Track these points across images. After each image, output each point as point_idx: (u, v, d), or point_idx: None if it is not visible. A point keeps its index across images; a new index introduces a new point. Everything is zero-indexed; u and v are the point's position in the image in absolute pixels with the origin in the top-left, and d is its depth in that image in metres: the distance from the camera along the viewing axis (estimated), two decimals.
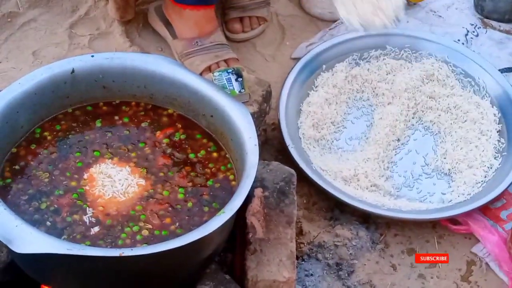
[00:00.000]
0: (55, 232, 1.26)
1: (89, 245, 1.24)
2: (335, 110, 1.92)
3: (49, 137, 1.42)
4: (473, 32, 2.18)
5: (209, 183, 1.39)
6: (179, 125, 1.48)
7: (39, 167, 1.37)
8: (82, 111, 1.48)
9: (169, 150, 1.44)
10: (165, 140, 1.45)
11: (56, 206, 1.31)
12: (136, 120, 1.48)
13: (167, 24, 2.05)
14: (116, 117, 1.48)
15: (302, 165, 1.75)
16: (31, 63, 2.01)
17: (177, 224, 1.31)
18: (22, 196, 1.32)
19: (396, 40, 2.02)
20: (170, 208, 1.33)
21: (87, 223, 1.29)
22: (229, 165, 1.43)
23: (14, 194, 1.32)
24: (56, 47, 2.07)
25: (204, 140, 1.47)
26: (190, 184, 1.38)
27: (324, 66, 1.98)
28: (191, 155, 1.43)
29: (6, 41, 2.08)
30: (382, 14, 1.68)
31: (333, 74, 1.97)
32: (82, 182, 1.35)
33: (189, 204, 1.35)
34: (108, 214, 1.30)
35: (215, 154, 1.44)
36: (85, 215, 1.30)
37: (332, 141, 1.87)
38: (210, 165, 1.42)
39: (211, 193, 1.37)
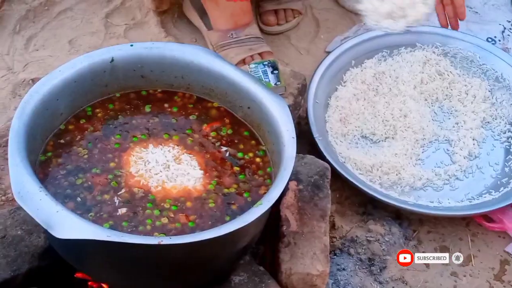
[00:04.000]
0: (83, 208, 1.28)
1: (112, 225, 1.25)
2: (363, 106, 1.90)
3: (99, 115, 1.44)
4: (510, 29, 2.15)
5: (245, 194, 1.36)
6: (227, 120, 1.48)
7: (80, 143, 1.39)
8: (137, 94, 1.49)
9: (217, 144, 1.43)
10: (212, 133, 1.45)
11: (90, 183, 1.32)
12: (184, 112, 1.48)
13: (202, 15, 2.06)
14: (166, 105, 1.48)
15: (329, 157, 1.74)
16: (67, 52, 2.03)
17: (196, 220, 1.29)
18: (61, 170, 1.34)
19: (427, 38, 2.00)
20: (198, 203, 1.32)
21: (116, 203, 1.29)
22: (268, 169, 1.40)
23: (53, 168, 1.34)
24: (92, 36, 2.08)
25: (253, 142, 1.45)
26: (235, 186, 1.36)
27: (353, 62, 1.96)
28: (239, 154, 1.42)
29: (43, 29, 2.10)
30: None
31: (362, 70, 1.96)
32: (120, 164, 1.35)
33: (211, 204, 1.32)
34: (139, 199, 1.30)
35: (258, 160, 1.42)
36: (115, 196, 1.30)
37: (359, 137, 1.85)
38: (260, 172, 1.40)
39: (239, 205, 1.33)
